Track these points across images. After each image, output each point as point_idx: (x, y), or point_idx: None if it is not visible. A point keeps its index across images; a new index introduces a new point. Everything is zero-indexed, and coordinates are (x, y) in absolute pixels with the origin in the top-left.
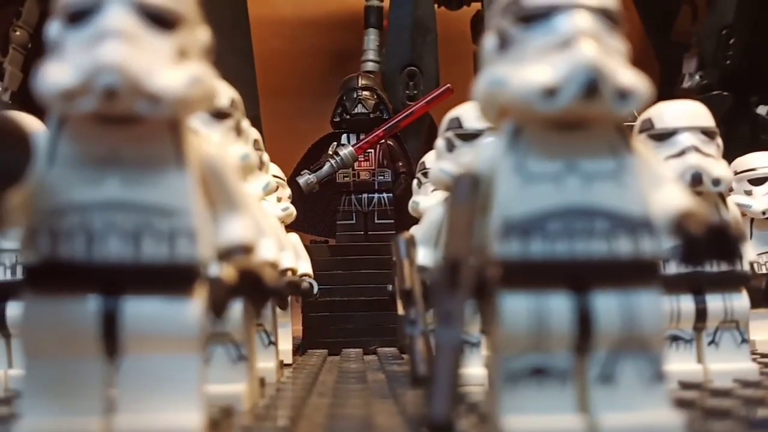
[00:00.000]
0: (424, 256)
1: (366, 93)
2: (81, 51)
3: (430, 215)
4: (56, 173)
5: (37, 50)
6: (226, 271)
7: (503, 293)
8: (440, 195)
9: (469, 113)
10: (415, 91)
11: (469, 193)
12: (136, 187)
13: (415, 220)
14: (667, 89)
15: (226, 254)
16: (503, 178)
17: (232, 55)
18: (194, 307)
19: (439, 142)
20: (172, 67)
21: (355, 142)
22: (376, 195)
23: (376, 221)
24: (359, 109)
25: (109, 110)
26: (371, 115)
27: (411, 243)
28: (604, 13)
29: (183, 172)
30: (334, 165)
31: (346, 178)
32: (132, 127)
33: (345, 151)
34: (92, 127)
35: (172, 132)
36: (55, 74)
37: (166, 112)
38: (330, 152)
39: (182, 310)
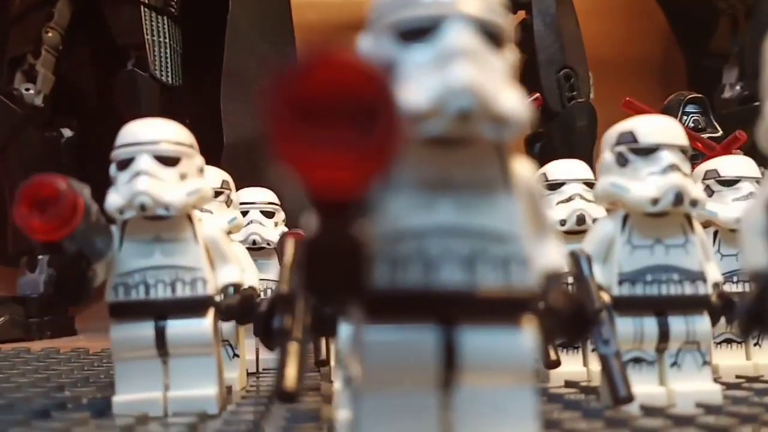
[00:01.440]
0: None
1: None
2: (426, 72)
3: (599, 231)
4: (392, 198)
5: (68, 52)
6: (552, 300)
7: None
8: (568, 208)
9: (644, 127)
10: None
11: None
12: (470, 212)
13: None
14: None
15: (546, 281)
16: None
17: (275, 60)
18: (528, 337)
19: (607, 156)
20: (508, 88)
21: None
22: None
23: None
24: None
25: (456, 133)
26: None
27: (590, 260)
28: None
29: (511, 196)
30: None
31: None
32: (462, 150)
33: None
34: (424, 151)
35: (499, 155)
36: (407, 96)
37: (508, 135)
38: None
39: (517, 341)
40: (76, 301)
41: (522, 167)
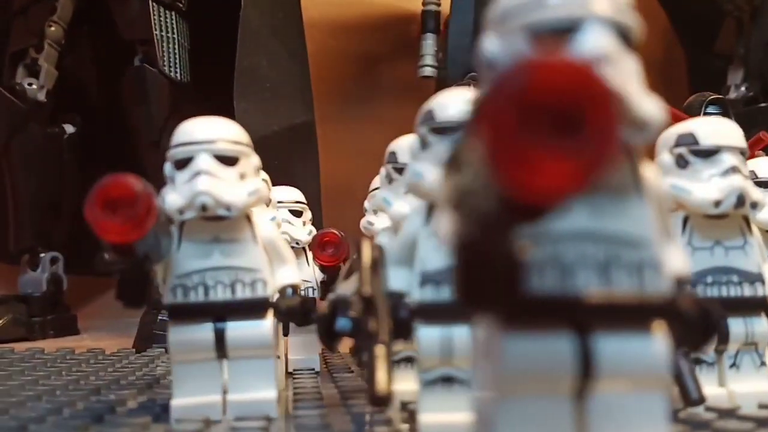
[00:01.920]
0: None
1: None
2: None
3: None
4: None
5: (71, 47)
6: (682, 305)
7: None
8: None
9: (704, 129)
10: None
11: None
12: (603, 217)
13: None
14: None
15: (675, 286)
16: None
17: (286, 58)
18: (661, 343)
19: (666, 157)
20: (643, 91)
21: None
22: None
23: None
24: None
25: None
26: None
27: None
28: None
29: (642, 200)
30: None
31: None
32: None
33: None
34: None
35: (630, 158)
36: None
37: (645, 139)
38: None
39: (652, 347)
40: (140, 303)
41: (649, 171)
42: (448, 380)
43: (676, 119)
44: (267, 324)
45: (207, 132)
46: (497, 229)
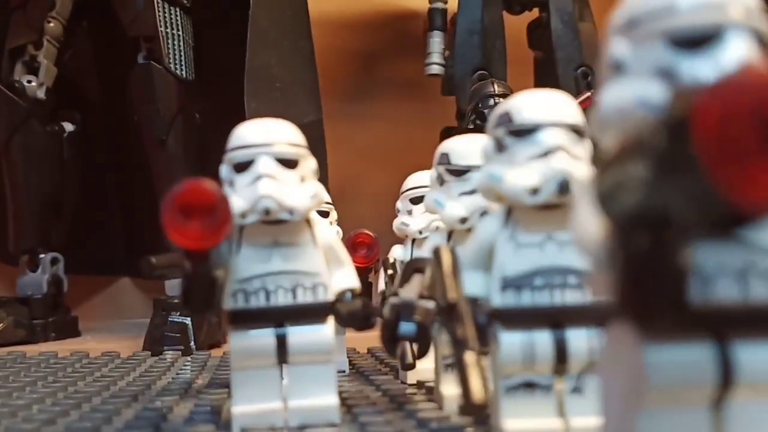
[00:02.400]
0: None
1: (503, 100)
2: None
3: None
4: None
5: (69, 43)
6: None
7: None
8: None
9: None
10: None
11: None
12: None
13: None
14: None
15: None
16: None
17: (295, 57)
18: None
19: None
20: None
21: None
22: None
23: None
24: None
25: None
26: None
27: None
28: None
29: None
30: None
31: None
32: None
33: None
34: None
35: None
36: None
37: None
38: None
39: None
40: (207, 310)
41: None
42: (529, 386)
43: None
44: (328, 329)
45: (266, 135)
46: (676, 239)
